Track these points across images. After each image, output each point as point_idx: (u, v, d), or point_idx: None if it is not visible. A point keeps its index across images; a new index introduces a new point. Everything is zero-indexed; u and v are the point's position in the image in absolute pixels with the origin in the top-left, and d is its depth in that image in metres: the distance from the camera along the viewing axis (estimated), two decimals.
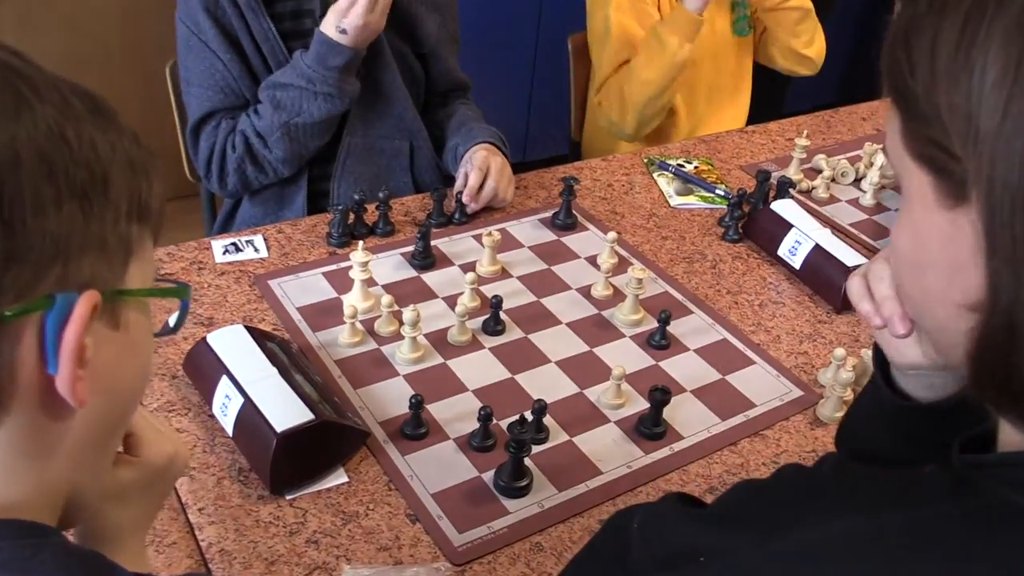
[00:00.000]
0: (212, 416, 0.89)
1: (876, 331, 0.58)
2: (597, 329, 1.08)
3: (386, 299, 1.01)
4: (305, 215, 1.28)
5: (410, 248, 1.15)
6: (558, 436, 0.93)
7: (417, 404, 0.89)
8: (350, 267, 1.10)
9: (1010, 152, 0.38)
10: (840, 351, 1.01)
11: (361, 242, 1.05)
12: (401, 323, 0.98)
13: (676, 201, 1.36)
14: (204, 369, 0.91)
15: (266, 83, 1.21)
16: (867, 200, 1.41)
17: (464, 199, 1.22)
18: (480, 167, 1.22)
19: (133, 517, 0.58)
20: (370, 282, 1.08)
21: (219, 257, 1.11)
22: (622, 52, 1.55)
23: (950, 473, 0.42)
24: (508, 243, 1.20)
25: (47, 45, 2.12)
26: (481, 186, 1.22)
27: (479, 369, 1.00)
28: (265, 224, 1.21)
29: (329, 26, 1.16)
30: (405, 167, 1.35)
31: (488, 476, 0.88)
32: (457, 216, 1.23)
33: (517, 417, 0.86)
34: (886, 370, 0.63)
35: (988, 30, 0.38)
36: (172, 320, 0.51)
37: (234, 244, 1.13)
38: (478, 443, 0.91)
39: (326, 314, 1.04)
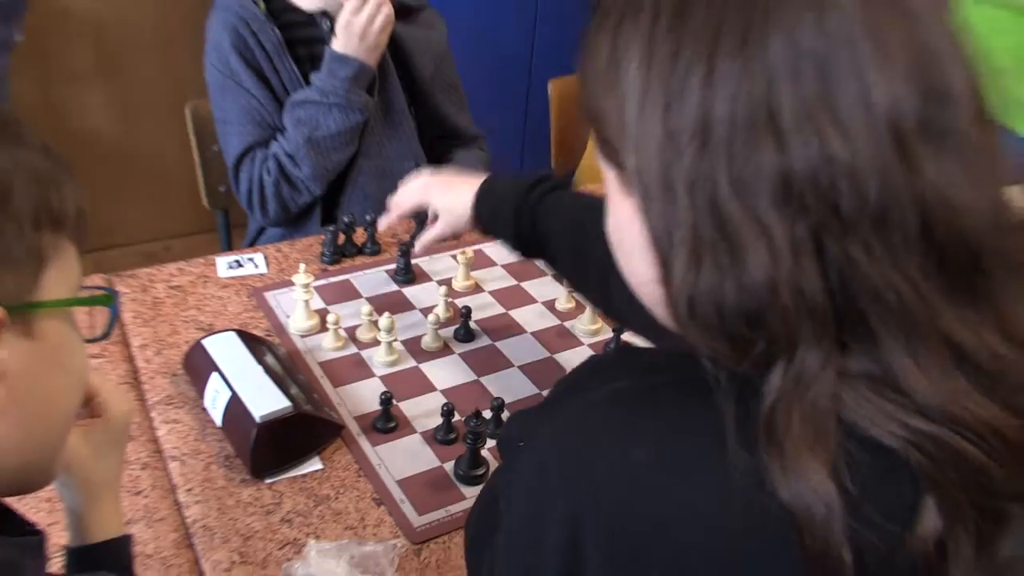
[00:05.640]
0: (204, 409, 0.94)
1: None
2: (559, 338, 1.12)
3: (365, 308, 1.07)
4: None
5: (394, 265, 1.21)
6: None
7: (387, 400, 0.94)
8: (340, 282, 1.16)
9: (648, 140, 0.42)
10: None
11: (303, 265, 1.08)
12: (379, 330, 1.04)
13: None
14: (199, 368, 0.96)
15: (287, 105, 1.28)
16: None
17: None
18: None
19: (109, 469, 0.64)
20: (316, 303, 1.11)
21: (223, 272, 1.17)
22: None
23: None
24: (483, 262, 1.25)
25: (98, 95, 2.27)
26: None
27: (448, 372, 1.04)
28: None
29: (338, 44, 1.25)
30: None
31: (449, 466, 0.92)
32: None
33: (473, 412, 0.91)
34: None
35: (629, 36, 0.43)
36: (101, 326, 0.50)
37: (237, 260, 1.19)
38: (441, 436, 0.95)
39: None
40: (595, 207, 0.64)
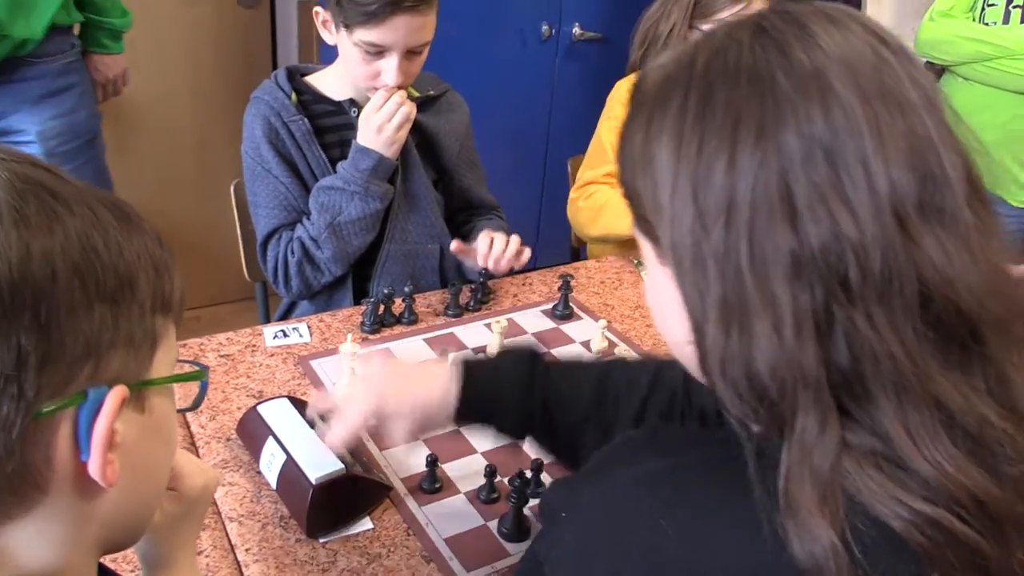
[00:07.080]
0: (259, 472, 0.96)
1: None
2: None
3: None
4: None
5: (431, 335, 1.24)
6: None
7: (432, 462, 0.96)
8: (380, 350, 1.19)
9: (680, 219, 0.46)
10: None
11: (350, 335, 1.12)
12: None
13: None
14: (254, 433, 0.98)
15: (314, 189, 1.33)
16: None
17: (490, 265, 1.28)
18: (483, 236, 1.31)
19: (182, 539, 0.65)
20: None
21: (269, 341, 1.20)
22: (605, 163, 1.55)
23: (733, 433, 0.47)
24: (515, 330, 1.29)
25: (142, 172, 2.34)
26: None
27: (487, 436, 1.06)
28: None
29: (360, 137, 1.30)
30: (435, 268, 1.45)
31: (493, 524, 0.93)
32: (472, 304, 1.33)
33: (516, 472, 0.93)
34: None
35: (660, 127, 0.47)
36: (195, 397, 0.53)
37: (282, 331, 1.23)
38: (485, 496, 0.97)
39: None
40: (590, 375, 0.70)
